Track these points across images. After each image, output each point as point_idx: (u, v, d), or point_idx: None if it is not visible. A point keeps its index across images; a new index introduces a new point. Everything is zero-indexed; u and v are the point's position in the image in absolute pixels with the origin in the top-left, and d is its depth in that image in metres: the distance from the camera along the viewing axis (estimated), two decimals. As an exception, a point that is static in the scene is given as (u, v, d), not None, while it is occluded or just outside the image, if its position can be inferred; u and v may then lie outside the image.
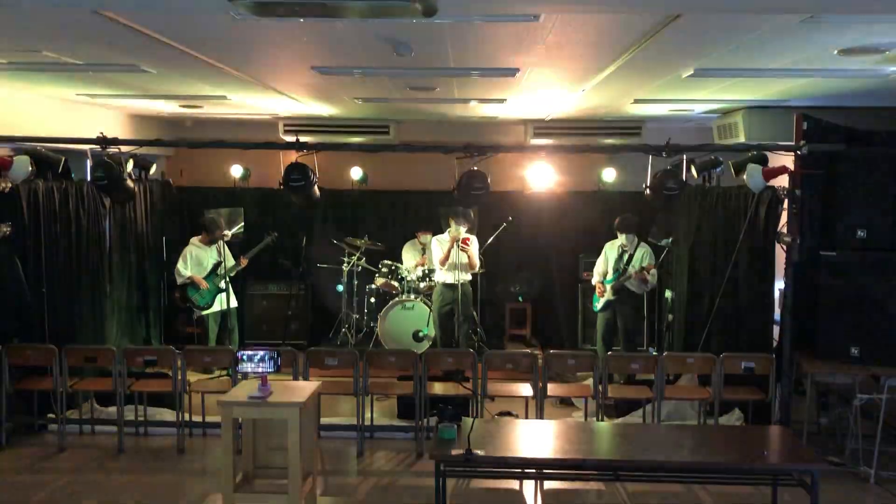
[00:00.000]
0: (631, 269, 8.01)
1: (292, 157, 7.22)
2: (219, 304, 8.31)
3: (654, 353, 6.99)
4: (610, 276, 8.17)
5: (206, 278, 8.30)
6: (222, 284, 8.27)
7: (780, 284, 6.66)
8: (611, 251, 8.27)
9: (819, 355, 6.33)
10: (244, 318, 9.45)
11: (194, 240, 8.48)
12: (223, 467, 4.99)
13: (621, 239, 8.14)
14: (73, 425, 6.89)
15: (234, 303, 8.53)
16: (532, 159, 9.98)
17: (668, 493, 5.71)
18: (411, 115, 8.83)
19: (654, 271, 8.01)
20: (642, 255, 8.10)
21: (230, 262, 8.50)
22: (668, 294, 8.83)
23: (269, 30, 4.24)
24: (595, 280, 8.34)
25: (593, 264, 8.53)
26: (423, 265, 9.26)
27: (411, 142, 9.39)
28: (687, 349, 7.30)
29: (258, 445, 5.31)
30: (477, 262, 8.64)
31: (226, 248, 8.42)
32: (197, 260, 8.35)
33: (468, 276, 8.66)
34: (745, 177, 6.51)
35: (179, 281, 8.32)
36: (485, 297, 9.51)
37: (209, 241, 8.38)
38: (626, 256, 8.11)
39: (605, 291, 8.17)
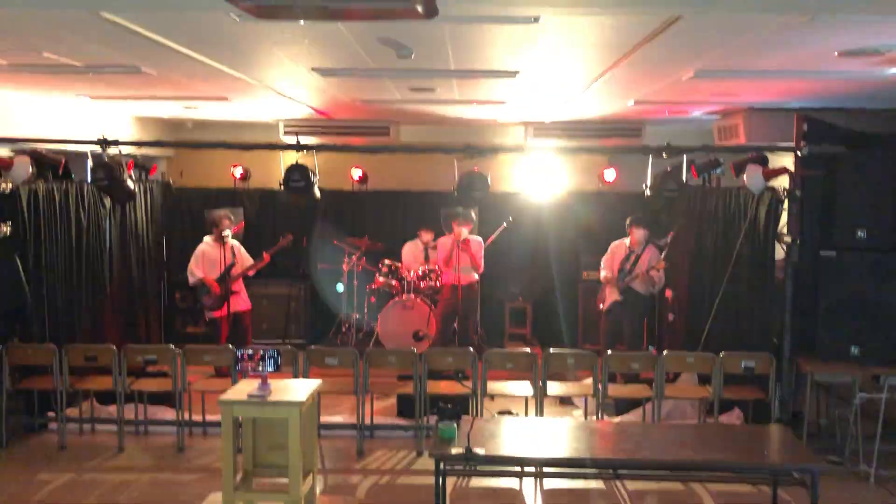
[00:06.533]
0: (638, 269, 7.96)
1: (293, 157, 7.24)
2: (230, 306, 8.22)
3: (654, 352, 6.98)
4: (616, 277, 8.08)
5: (218, 279, 8.20)
6: (234, 287, 8.13)
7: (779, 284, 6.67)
8: (617, 251, 8.16)
9: (819, 355, 6.34)
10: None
11: (207, 239, 8.23)
12: (223, 466, 4.99)
13: (633, 237, 7.97)
14: (73, 424, 6.90)
15: (247, 305, 8.33)
16: (532, 160, 9.99)
17: (667, 492, 5.73)
18: (411, 116, 8.83)
19: (662, 271, 7.93)
20: (650, 256, 8.05)
21: (249, 260, 8.29)
22: (668, 293, 8.83)
23: (269, 31, 4.24)
24: (602, 276, 8.21)
25: (593, 264, 8.48)
26: (423, 266, 9.23)
27: (411, 143, 9.39)
28: (687, 348, 7.31)
29: (258, 444, 5.32)
30: (481, 263, 8.63)
31: (241, 248, 8.27)
32: (209, 259, 8.10)
33: (474, 277, 8.66)
34: (745, 178, 6.52)
35: (191, 281, 8.14)
36: (485, 297, 9.52)
37: (219, 239, 8.09)
38: (632, 257, 8.02)
39: (614, 285, 8.03)
